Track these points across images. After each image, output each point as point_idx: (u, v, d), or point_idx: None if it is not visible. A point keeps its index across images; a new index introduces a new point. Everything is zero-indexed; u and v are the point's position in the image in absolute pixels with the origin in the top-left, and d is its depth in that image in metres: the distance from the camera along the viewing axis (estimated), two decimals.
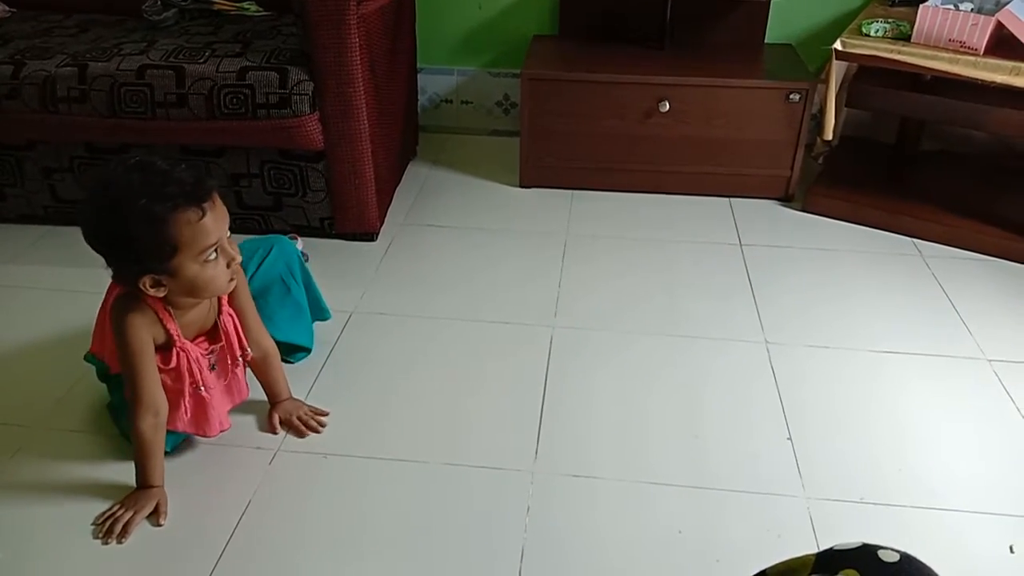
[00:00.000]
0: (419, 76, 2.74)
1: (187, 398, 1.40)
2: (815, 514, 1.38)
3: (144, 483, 1.38)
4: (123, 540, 1.31)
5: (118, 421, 1.52)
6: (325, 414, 1.58)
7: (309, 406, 1.59)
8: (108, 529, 1.32)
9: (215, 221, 1.26)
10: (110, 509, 1.36)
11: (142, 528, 1.34)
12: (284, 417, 1.56)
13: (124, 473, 1.42)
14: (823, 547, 0.72)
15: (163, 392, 1.35)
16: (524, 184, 2.50)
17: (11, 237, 2.19)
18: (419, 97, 2.80)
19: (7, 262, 2.08)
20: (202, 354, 1.41)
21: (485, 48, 2.78)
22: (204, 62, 1.97)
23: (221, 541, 1.32)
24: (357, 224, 2.16)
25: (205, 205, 1.24)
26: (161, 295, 1.29)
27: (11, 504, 1.39)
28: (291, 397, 1.58)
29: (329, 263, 2.09)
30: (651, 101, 2.33)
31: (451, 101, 2.87)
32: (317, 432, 1.54)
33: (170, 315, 1.34)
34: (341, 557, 1.30)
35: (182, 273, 1.26)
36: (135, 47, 2.05)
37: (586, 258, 2.14)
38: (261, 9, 2.43)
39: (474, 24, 2.74)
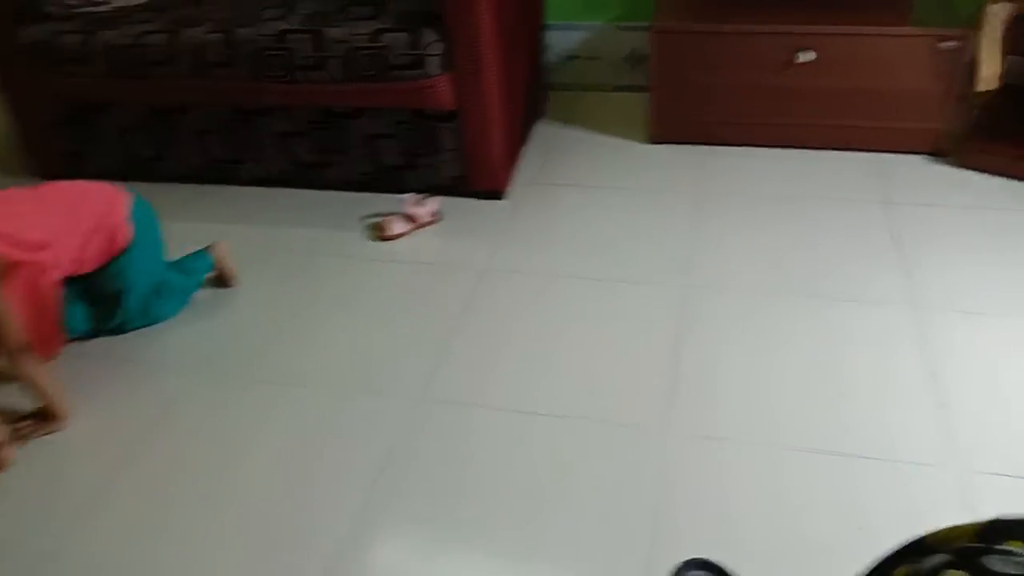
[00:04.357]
0: (546, 33, 2.71)
1: None
2: (967, 486, 1.32)
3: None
4: None
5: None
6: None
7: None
8: None
9: None
10: None
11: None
12: None
13: None
14: (974, 519, 0.69)
15: None
16: (654, 140, 2.45)
17: (168, 195, 2.26)
18: (546, 54, 2.77)
19: (177, 220, 2.02)
20: None
21: (613, 1, 2.72)
22: (339, 25, 2.02)
23: (367, 484, 1.39)
24: (486, 183, 2.18)
25: None
26: None
27: None
28: None
29: (460, 221, 2.12)
30: (789, 52, 2.22)
31: (578, 57, 2.83)
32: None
33: None
34: (481, 507, 1.34)
35: None
36: (275, 12, 2.13)
37: (720, 216, 2.09)
38: None
39: None
